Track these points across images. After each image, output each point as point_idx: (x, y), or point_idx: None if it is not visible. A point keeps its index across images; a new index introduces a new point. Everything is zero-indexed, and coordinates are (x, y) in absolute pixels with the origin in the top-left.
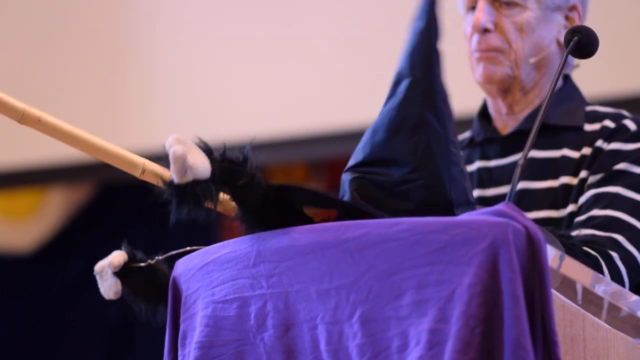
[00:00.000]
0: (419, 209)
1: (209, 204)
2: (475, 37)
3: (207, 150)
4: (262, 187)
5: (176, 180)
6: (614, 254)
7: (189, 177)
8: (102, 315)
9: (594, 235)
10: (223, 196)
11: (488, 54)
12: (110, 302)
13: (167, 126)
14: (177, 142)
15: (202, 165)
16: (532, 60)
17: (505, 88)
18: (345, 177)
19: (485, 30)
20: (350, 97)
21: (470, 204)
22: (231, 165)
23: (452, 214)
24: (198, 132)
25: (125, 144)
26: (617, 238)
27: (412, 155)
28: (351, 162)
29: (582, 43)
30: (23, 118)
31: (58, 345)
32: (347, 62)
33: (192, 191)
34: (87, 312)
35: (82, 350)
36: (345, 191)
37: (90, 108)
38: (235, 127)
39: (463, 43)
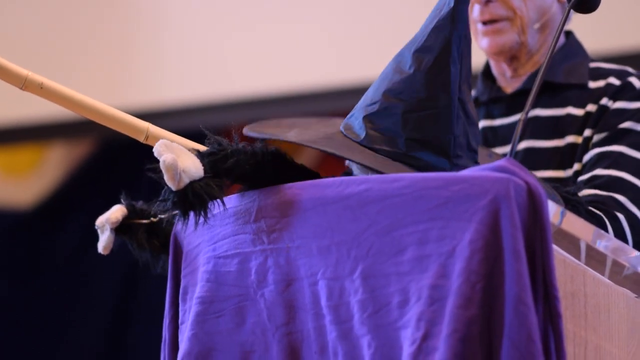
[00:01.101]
0: (416, 141)
1: (218, 194)
2: (477, 7)
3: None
4: (250, 157)
5: (174, 187)
6: (621, 215)
7: (185, 181)
8: (104, 271)
9: (596, 195)
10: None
11: (494, 27)
12: (110, 257)
13: (175, 83)
14: (165, 149)
15: (194, 167)
16: (537, 26)
17: (512, 55)
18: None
19: (488, 1)
20: (352, 53)
21: (472, 150)
22: (214, 156)
23: (448, 156)
24: (204, 88)
25: (134, 101)
26: (619, 198)
27: (432, 84)
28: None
29: None
30: (25, 85)
31: (58, 310)
32: (350, 18)
33: (193, 192)
34: (87, 269)
35: (83, 317)
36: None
37: (100, 64)
38: (239, 83)
39: None
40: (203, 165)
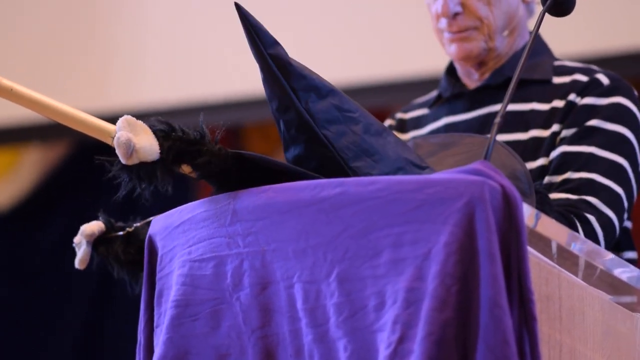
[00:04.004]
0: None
1: (160, 183)
2: (444, 20)
3: (167, 129)
4: (222, 161)
5: (123, 162)
6: (591, 217)
7: (135, 160)
8: (81, 273)
9: (568, 199)
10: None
11: (461, 35)
12: (88, 264)
13: (159, 85)
14: (125, 125)
15: (149, 148)
16: (505, 33)
17: (480, 61)
18: None
19: (455, 14)
20: (333, 56)
21: (371, 155)
22: (187, 145)
23: (348, 167)
24: (185, 90)
25: (116, 103)
26: (591, 201)
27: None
28: None
29: (559, 1)
30: None
31: (33, 312)
32: (350, 17)
33: (137, 173)
34: (64, 271)
35: (57, 318)
36: None
37: (86, 67)
38: (219, 86)
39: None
40: (168, 149)
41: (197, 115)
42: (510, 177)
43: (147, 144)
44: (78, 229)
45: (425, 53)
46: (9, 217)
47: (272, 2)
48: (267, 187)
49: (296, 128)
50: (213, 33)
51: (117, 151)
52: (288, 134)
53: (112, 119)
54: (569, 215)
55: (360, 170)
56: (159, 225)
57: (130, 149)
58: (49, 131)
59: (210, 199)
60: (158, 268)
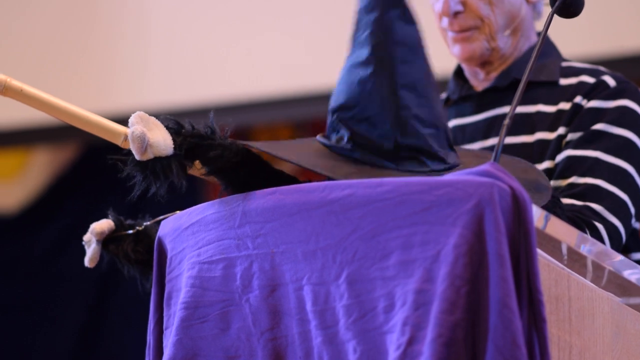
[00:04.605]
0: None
1: (175, 177)
2: (446, 19)
3: (177, 126)
4: (234, 155)
5: (138, 158)
6: (599, 225)
7: (150, 155)
8: (86, 272)
9: (573, 205)
10: (196, 163)
11: (463, 35)
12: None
13: (162, 88)
14: (139, 120)
15: (163, 143)
16: (507, 32)
17: (484, 61)
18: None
19: (456, 13)
20: (337, 58)
21: (430, 153)
22: (199, 139)
23: (398, 156)
24: (187, 92)
25: (119, 106)
26: (596, 208)
27: (360, 93)
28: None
29: (568, 2)
30: (5, 89)
31: (34, 312)
32: (335, 23)
33: (152, 168)
34: (71, 272)
35: (58, 319)
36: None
37: (87, 69)
38: (222, 88)
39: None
40: (180, 144)
41: (201, 117)
42: (524, 171)
43: (160, 139)
44: (86, 230)
45: (433, 55)
46: (18, 219)
47: (277, 4)
48: (276, 188)
49: (371, 32)
50: (218, 35)
51: (131, 146)
52: (359, 34)
53: (114, 122)
54: (577, 221)
55: (403, 101)
56: (169, 227)
57: (144, 143)
58: (57, 133)
59: (220, 200)
60: (167, 270)
